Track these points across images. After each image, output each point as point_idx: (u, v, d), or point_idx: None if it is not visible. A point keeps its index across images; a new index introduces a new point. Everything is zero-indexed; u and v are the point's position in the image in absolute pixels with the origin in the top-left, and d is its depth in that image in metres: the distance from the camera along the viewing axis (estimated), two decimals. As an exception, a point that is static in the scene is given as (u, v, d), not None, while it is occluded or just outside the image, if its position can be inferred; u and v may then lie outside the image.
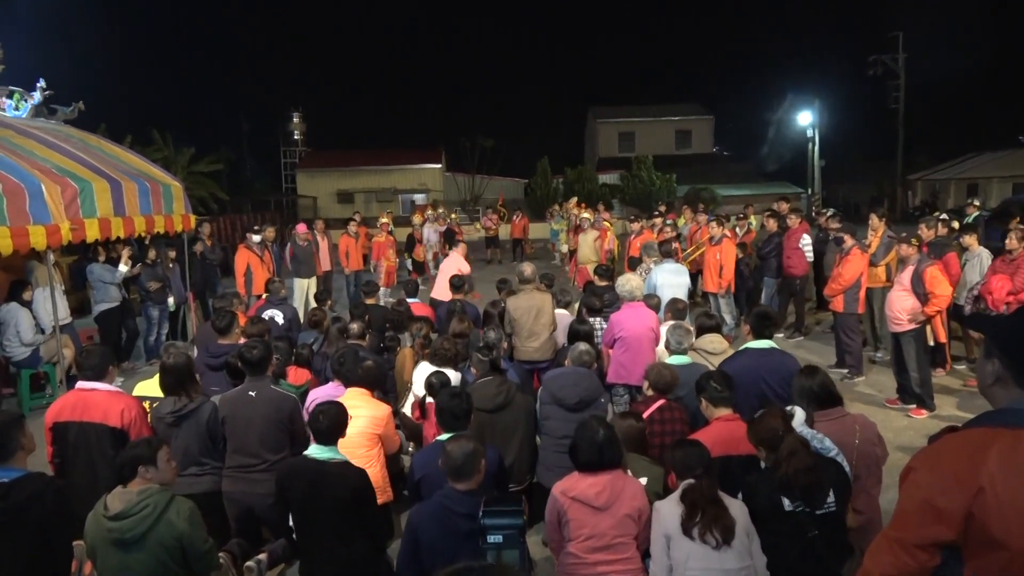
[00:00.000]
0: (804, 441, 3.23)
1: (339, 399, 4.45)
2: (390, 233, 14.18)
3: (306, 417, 4.64)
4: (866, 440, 3.67)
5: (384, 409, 4.48)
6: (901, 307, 6.70)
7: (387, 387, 5.42)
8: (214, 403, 4.26)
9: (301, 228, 12.02)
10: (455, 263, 9.37)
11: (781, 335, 10.03)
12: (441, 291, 8.75)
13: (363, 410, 4.38)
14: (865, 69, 34.00)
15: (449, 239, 15.23)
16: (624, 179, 35.23)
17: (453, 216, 19.49)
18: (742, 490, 3.31)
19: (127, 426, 4.08)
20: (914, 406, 6.85)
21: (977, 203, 12.48)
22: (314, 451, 3.58)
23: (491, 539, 2.86)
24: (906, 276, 6.72)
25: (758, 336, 4.69)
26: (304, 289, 11.46)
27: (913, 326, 6.65)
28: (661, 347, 5.82)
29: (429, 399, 4.76)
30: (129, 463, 3.17)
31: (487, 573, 1.35)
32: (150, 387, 4.63)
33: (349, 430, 3.83)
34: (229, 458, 4.19)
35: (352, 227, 13.33)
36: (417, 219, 16.69)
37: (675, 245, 8.53)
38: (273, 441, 4.18)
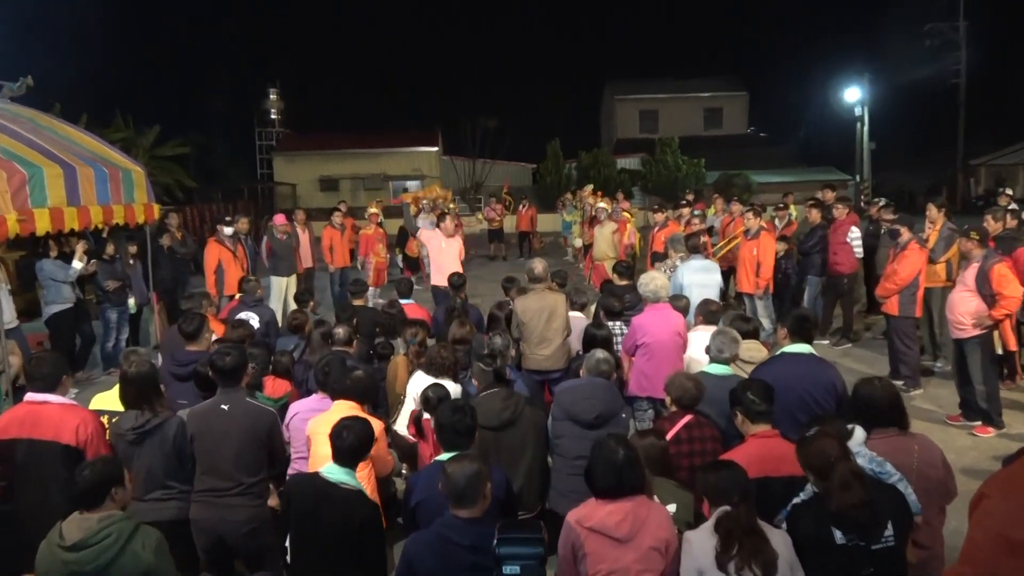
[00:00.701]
0: (859, 471, 3.19)
1: (324, 413, 4.45)
2: (380, 225, 14.16)
3: (286, 434, 4.66)
4: (927, 464, 3.65)
5: (375, 425, 4.48)
6: (964, 310, 6.68)
7: (378, 400, 5.42)
8: (181, 418, 4.26)
9: (280, 219, 11.99)
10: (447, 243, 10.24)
11: (826, 342, 10.02)
12: (441, 276, 9.46)
13: None
14: (922, 39, 33.90)
15: (402, 240, 15.50)
16: (646, 164, 35.26)
17: (452, 205, 19.40)
18: (786, 519, 3.29)
19: (83, 444, 4.07)
20: (979, 423, 6.83)
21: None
22: (329, 470, 3.62)
23: (507, 570, 2.84)
24: (970, 275, 6.70)
25: (797, 339, 4.68)
26: (283, 289, 11.47)
27: (978, 332, 6.63)
28: (689, 354, 5.80)
29: (426, 415, 4.76)
30: (98, 486, 3.17)
31: None
32: (109, 400, 4.63)
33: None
34: (199, 481, 4.18)
35: (337, 218, 13.32)
36: (411, 207, 16.59)
37: (704, 239, 8.49)
38: (249, 461, 4.18)
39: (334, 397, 4.60)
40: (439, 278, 9.75)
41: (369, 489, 4.34)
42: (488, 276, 15.63)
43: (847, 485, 3.09)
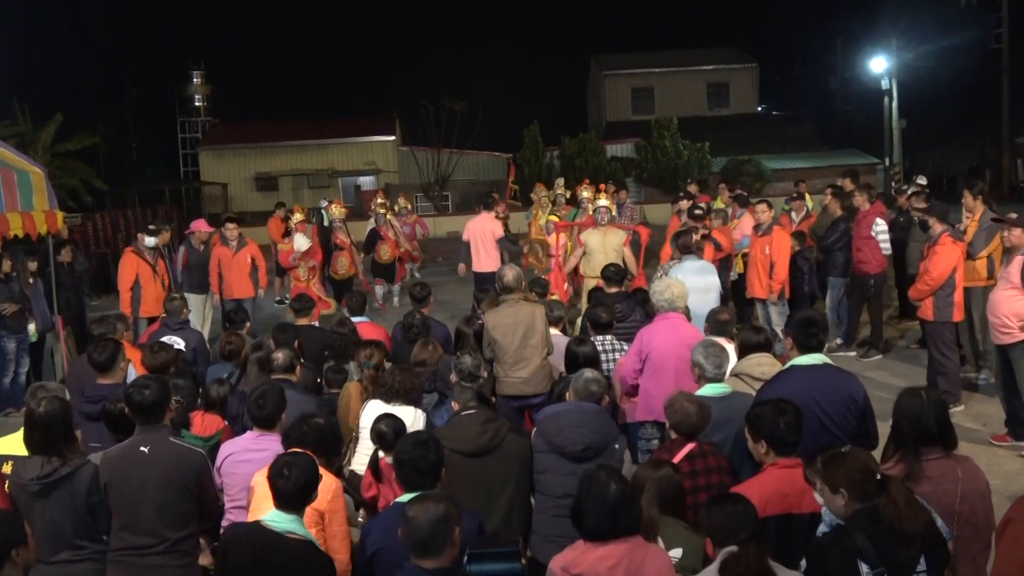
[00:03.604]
0: (911, 491, 3.28)
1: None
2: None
3: (218, 480, 4.66)
4: (972, 491, 3.69)
5: (331, 482, 4.46)
6: (1009, 311, 6.77)
7: (340, 452, 5.35)
8: (95, 465, 4.24)
9: (199, 225, 11.84)
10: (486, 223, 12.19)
11: (853, 353, 10.14)
12: (487, 260, 11.95)
13: None
14: (957, -1, 34.44)
15: (370, 244, 14.80)
16: (641, 150, 35.43)
17: (403, 204, 18.83)
18: (807, 554, 3.35)
19: (-25, 498, 4.06)
20: None
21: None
22: (271, 518, 3.61)
23: None
24: (1015, 270, 6.78)
25: (804, 349, 4.71)
26: (202, 309, 11.35)
27: None
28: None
29: (382, 454, 4.77)
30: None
31: None
32: (12, 444, 4.58)
33: None
34: (115, 538, 4.16)
35: (230, 231, 11.90)
36: (381, 208, 15.54)
37: (696, 236, 8.48)
38: (174, 513, 4.16)
39: (288, 446, 4.59)
40: (483, 261, 12.07)
41: (321, 541, 4.34)
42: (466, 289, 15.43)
43: (912, 505, 3.15)
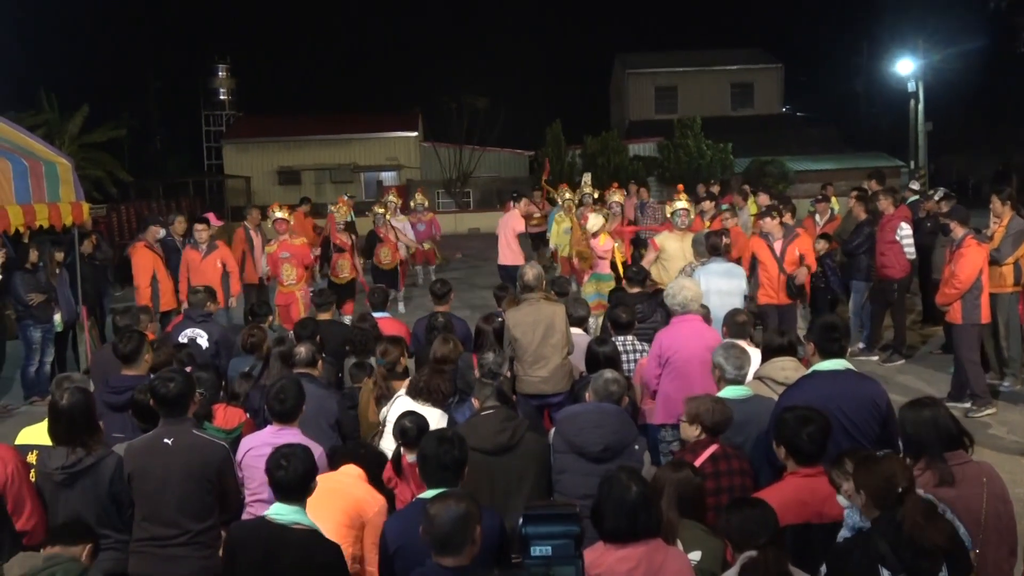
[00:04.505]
0: (933, 504, 3.26)
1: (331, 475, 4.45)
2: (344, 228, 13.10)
3: (239, 472, 4.69)
4: (995, 495, 3.69)
5: (378, 498, 4.48)
6: None
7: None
8: (119, 456, 4.28)
9: (210, 218, 11.47)
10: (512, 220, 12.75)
11: (875, 358, 10.08)
12: (510, 254, 12.63)
13: (350, 496, 4.38)
14: (985, 1, 34.09)
15: (369, 248, 13.94)
16: (663, 150, 35.31)
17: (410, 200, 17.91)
18: (828, 559, 3.35)
19: (2, 486, 4.11)
20: None
21: None
22: (275, 511, 3.62)
23: (537, 551, 2.78)
24: None
25: (826, 354, 4.69)
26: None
27: None
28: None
29: (404, 451, 4.79)
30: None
31: None
32: (38, 433, 4.64)
33: (326, 519, 3.88)
34: (138, 528, 4.19)
35: (200, 232, 10.99)
36: (379, 208, 14.93)
37: (724, 240, 8.40)
38: (196, 505, 4.19)
39: (335, 464, 4.62)
40: (509, 255, 12.74)
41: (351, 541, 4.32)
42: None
43: (933, 519, 3.14)
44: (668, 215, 10.41)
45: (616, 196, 12.42)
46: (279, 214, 11.52)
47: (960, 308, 7.85)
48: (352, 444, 4.70)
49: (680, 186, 12.19)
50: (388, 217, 14.58)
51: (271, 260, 11.35)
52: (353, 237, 12.95)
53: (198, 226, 10.75)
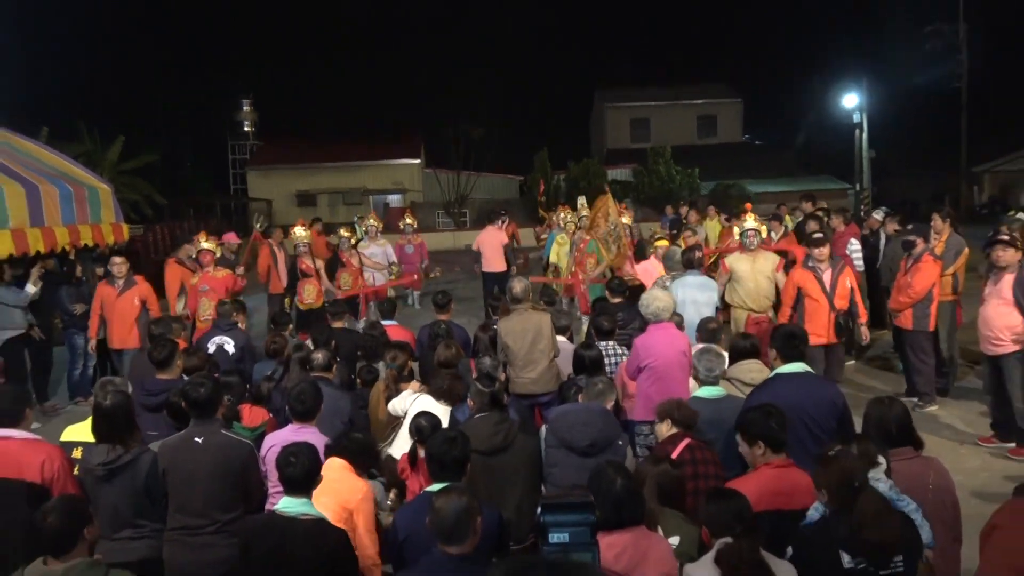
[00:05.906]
0: (886, 501, 3.23)
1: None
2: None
3: (263, 468, 4.64)
4: (941, 488, 3.70)
5: (362, 485, 4.39)
6: (1003, 324, 6.67)
7: (378, 464, 5.25)
8: (154, 453, 4.24)
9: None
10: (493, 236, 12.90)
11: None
12: (496, 263, 12.88)
13: (335, 489, 4.23)
14: (922, 42, 34.33)
15: (331, 274, 11.33)
16: (638, 175, 35.47)
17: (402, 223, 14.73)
18: (792, 544, 3.33)
19: (48, 481, 4.05)
20: (1014, 445, 6.80)
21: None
22: (284, 505, 3.59)
23: (555, 538, 2.73)
24: (1005, 287, 6.69)
25: (788, 359, 4.71)
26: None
27: (1018, 347, 6.63)
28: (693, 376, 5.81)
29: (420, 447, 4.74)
30: (71, 531, 3.15)
31: (556, 571, 1.27)
32: (81, 431, 4.61)
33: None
34: (171, 518, 4.17)
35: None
36: (346, 232, 12.36)
37: (698, 254, 8.31)
38: (223, 498, 4.17)
39: (328, 455, 4.56)
40: (492, 262, 13.01)
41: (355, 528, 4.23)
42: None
43: (880, 516, 3.12)
44: (736, 236, 9.25)
45: (625, 219, 11.68)
46: (205, 244, 9.66)
47: (911, 315, 7.85)
48: (338, 437, 4.63)
49: (748, 204, 10.81)
50: (354, 241, 12.29)
51: (191, 292, 9.51)
52: (319, 263, 11.23)
53: (115, 259, 8.97)
